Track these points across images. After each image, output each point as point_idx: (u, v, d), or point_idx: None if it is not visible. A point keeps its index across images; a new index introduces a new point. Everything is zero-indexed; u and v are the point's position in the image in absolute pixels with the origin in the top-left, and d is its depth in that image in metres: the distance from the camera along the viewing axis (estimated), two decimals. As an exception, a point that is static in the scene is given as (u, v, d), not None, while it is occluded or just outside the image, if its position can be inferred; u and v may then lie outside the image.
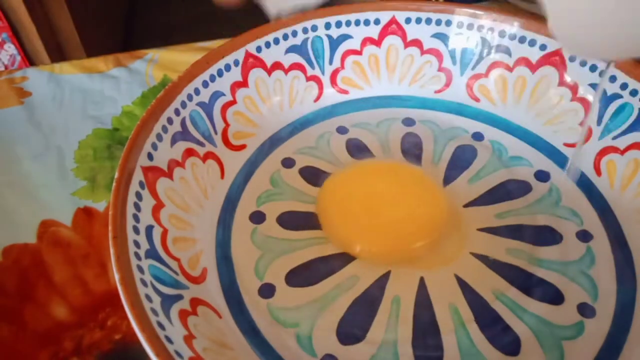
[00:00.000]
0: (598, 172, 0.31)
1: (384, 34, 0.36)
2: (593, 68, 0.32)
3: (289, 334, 0.25)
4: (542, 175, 0.32)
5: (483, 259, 0.28)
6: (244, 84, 0.33)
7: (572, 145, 0.32)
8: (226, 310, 0.25)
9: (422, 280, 0.27)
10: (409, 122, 0.35)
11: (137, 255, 0.23)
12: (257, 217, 0.29)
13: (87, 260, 0.30)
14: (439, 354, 0.24)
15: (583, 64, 0.32)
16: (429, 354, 0.24)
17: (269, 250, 0.28)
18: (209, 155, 0.31)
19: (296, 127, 0.34)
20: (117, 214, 0.24)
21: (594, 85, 0.32)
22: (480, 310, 0.26)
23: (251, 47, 0.33)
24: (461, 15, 0.34)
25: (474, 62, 0.35)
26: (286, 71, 0.34)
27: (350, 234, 0.28)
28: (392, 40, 0.36)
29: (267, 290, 0.26)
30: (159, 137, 0.28)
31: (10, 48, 0.86)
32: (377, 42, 0.36)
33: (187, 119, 0.30)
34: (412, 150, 0.33)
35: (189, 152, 0.29)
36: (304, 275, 0.27)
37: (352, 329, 0.25)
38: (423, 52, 0.36)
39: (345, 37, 0.35)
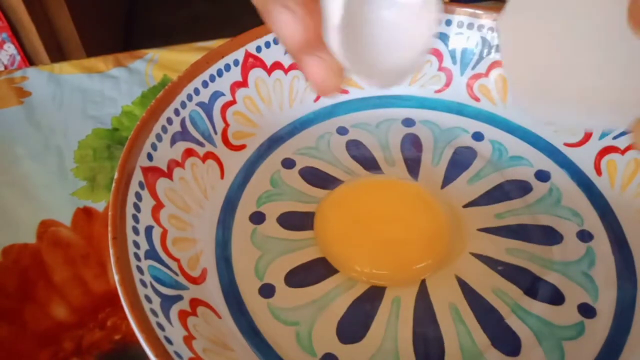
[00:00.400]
0: (598, 172, 0.31)
1: (384, 33, 0.35)
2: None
3: (289, 333, 0.25)
4: (542, 175, 0.31)
5: (483, 259, 0.28)
6: (243, 84, 0.33)
7: (572, 145, 0.32)
8: (226, 310, 0.25)
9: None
10: (409, 122, 0.35)
11: (136, 256, 0.23)
12: (257, 218, 0.29)
13: (87, 260, 0.30)
14: (439, 354, 0.24)
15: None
16: (429, 354, 0.24)
17: (269, 251, 0.28)
18: (208, 156, 0.30)
19: (296, 127, 0.34)
20: (116, 214, 0.24)
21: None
22: (480, 310, 0.26)
23: (251, 47, 0.33)
24: (461, 15, 0.34)
25: (474, 61, 0.35)
26: (286, 71, 0.34)
27: (351, 258, 0.27)
28: (392, 40, 0.36)
29: (267, 290, 0.26)
30: (159, 137, 0.28)
31: (10, 48, 0.86)
32: (377, 42, 0.36)
33: (187, 119, 0.30)
34: (411, 151, 0.33)
35: (189, 152, 0.29)
36: (304, 275, 0.27)
37: (352, 328, 0.25)
38: (423, 51, 0.36)
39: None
